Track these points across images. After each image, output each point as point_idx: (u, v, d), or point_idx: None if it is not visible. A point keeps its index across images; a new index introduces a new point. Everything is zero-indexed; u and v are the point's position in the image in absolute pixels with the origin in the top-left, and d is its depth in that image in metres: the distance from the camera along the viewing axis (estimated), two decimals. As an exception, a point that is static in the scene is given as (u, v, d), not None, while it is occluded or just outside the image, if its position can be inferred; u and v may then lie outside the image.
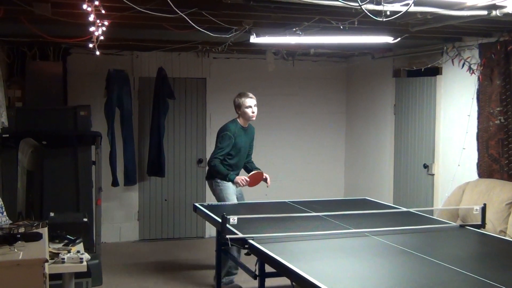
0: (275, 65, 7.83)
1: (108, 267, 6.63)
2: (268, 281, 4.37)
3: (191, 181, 8.24)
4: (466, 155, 6.34)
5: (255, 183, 6.18)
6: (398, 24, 4.92)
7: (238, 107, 6.13)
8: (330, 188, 8.86)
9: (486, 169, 6.05)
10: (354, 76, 8.79)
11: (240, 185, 6.01)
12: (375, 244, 4.26)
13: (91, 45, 4.63)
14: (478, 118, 6.15)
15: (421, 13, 4.38)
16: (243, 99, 6.09)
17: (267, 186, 6.27)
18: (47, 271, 3.24)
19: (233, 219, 4.39)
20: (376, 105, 8.17)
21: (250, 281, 5.00)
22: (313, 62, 8.61)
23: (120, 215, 8.07)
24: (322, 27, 5.20)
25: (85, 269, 4.21)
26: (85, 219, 5.28)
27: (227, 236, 4.29)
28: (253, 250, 4.15)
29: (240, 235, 4.33)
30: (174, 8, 3.84)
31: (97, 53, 4.90)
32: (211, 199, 6.70)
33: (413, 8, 4.00)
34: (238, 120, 6.18)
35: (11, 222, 3.90)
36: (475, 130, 6.19)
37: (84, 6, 3.79)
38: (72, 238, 4.58)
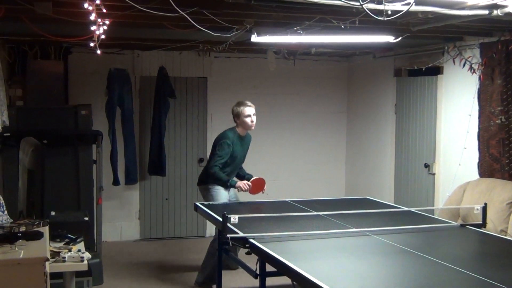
0: (276, 64, 7.83)
1: (109, 266, 6.64)
2: (269, 280, 4.37)
3: (192, 180, 8.23)
4: (467, 154, 6.34)
5: (257, 190, 6.09)
6: (399, 23, 4.92)
7: (237, 116, 6.08)
8: (331, 187, 8.86)
9: (487, 168, 6.05)
10: (355, 76, 8.79)
11: (242, 190, 5.96)
12: (376, 243, 4.26)
13: (92, 44, 4.63)
14: (479, 117, 6.15)
15: (422, 12, 4.38)
16: (242, 108, 6.04)
17: (263, 192, 6.21)
18: (48, 270, 3.24)
19: (234, 218, 4.39)
20: (377, 104, 8.17)
21: (251, 280, 5.00)
22: (314, 61, 8.61)
23: (121, 214, 8.08)
24: (323, 26, 5.20)
25: (86, 268, 4.22)
26: (86, 218, 5.28)
27: (228, 235, 4.29)
28: (254, 249, 4.15)
29: (241, 234, 4.33)
30: (175, 7, 3.84)
31: (98, 52, 4.90)
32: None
33: (414, 8, 4.00)
34: (236, 129, 6.13)
35: (12, 221, 3.90)
36: (476, 130, 6.19)
37: (85, 5, 3.79)
38: (73, 237, 4.59)
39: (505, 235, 5.24)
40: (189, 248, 7.73)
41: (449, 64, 6.62)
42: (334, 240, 4.36)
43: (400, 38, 5.86)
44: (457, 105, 6.54)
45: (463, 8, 4.33)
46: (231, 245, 4.41)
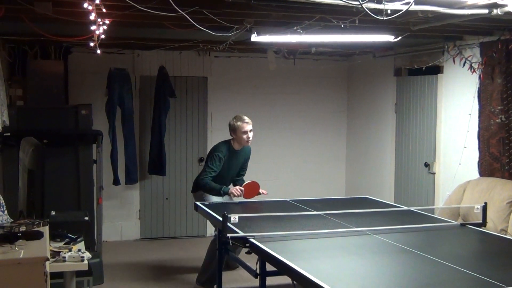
0: (276, 63, 7.83)
1: (109, 265, 6.64)
2: (269, 280, 4.37)
3: (192, 180, 8.18)
4: (467, 153, 6.34)
5: (251, 194, 6.00)
6: (399, 22, 4.92)
7: (234, 131, 6.03)
8: (331, 187, 8.86)
9: (487, 167, 6.05)
10: (355, 75, 8.79)
11: (235, 195, 5.89)
12: (376, 242, 4.26)
13: (92, 44, 4.63)
14: (479, 116, 6.15)
15: (422, 11, 4.38)
16: (239, 123, 5.98)
17: (263, 193, 6.16)
18: (48, 269, 3.24)
19: (234, 217, 4.39)
20: (377, 103, 8.17)
21: (251, 280, 5.00)
22: (314, 60, 8.61)
23: (121, 214, 8.08)
24: (323, 25, 5.20)
25: (86, 268, 4.22)
26: (86, 218, 5.28)
27: (228, 235, 4.29)
28: (254, 248, 4.15)
29: (241, 233, 4.33)
30: (175, 7, 3.84)
31: (98, 51, 4.91)
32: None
33: (414, 7, 4.00)
34: (231, 142, 6.09)
35: (12, 220, 3.90)
36: (476, 129, 6.19)
37: (85, 5, 3.80)
38: (73, 236, 4.59)
39: (505, 234, 5.24)
40: (190, 247, 7.73)
41: (449, 63, 6.62)
42: (334, 239, 4.36)
43: (400, 37, 5.86)
44: (457, 104, 6.54)
45: (463, 7, 4.33)
46: (231, 244, 4.41)
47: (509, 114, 5.80)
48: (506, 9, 4.25)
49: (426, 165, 7.09)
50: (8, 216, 3.91)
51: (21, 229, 3.60)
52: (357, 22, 4.69)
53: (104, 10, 3.91)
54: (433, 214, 5.80)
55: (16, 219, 4.05)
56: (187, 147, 8.29)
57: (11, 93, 6.99)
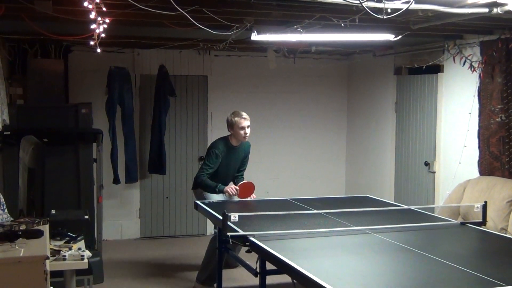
0: (276, 62, 7.83)
1: (109, 264, 6.65)
2: (269, 278, 4.37)
3: (192, 179, 8.21)
4: (467, 152, 6.34)
5: (246, 194, 6.00)
6: (399, 21, 4.92)
7: (231, 126, 6.04)
8: (331, 186, 8.86)
9: (487, 166, 6.05)
10: (355, 74, 8.79)
11: (229, 194, 5.92)
12: (376, 241, 4.26)
13: (92, 43, 4.64)
14: (479, 115, 6.15)
15: (422, 10, 4.38)
16: (236, 119, 5.98)
17: (253, 197, 6.16)
18: (48, 268, 3.24)
19: (234, 216, 4.39)
20: (377, 103, 8.17)
21: (251, 278, 5.00)
22: (314, 59, 8.61)
23: (121, 213, 8.08)
24: (323, 24, 5.20)
25: (86, 266, 4.22)
26: (86, 217, 5.29)
27: (228, 234, 4.30)
28: (254, 247, 4.15)
29: (241, 232, 4.33)
30: (175, 5, 3.84)
31: (98, 50, 4.91)
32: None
33: (414, 6, 4.00)
34: (229, 138, 6.10)
35: (12, 219, 3.90)
36: (476, 128, 6.19)
37: (85, 4, 3.79)
38: (73, 235, 4.59)
39: (505, 233, 5.24)
40: (190, 246, 7.73)
41: (449, 62, 6.62)
42: (334, 238, 4.36)
43: (400, 36, 5.86)
44: (457, 103, 6.54)
45: (463, 6, 4.33)
46: (231, 243, 4.42)
47: (509, 113, 5.80)
48: (506, 8, 4.25)
49: (426, 164, 7.09)
50: (8, 215, 3.92)
51: (21, 228, 3.60)
52: (357, 21, 4.69)
53: (104, 9, 3.91)
54: (433, 213, 5.80)
55: (16, 218, 4.05)
56: (187, 146, 8.29)
57: (11, 91, 6.99)
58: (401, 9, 3.89)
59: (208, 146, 6.29)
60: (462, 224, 4.94)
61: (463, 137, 6.37)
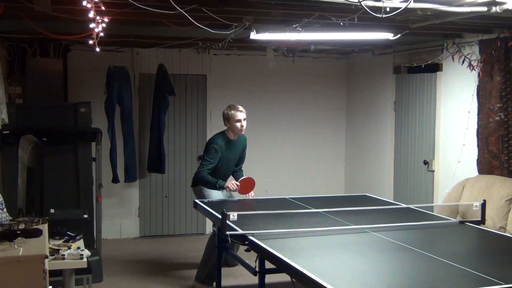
0: (275, 61, 7.83)
1: (108, 263, 6.65)
2: (268, 277, 4.37)
3: (191, 178, 8.21)
4: (466, 151, 6.35)
5: (246, 190, 6.02)
6: (398, 20, 4.92)
7: (227, 120, 6.04)
8: (330, 185, 8.86)
9: (486, 165, 6.05)
10: (355, 73, 8.79)
11: (230, 190, 5.94)
12: (375, 240, 4.27)
13: (91, 42, 4.63)
14: (478, 114, 6.15)
15: (421, 9, 4.38)
16: (233, 112, 5.99)
17: (251, 195, 6.17)
18: (47, 267, 3.24)
19: (233, 215, 4.39)
20: (377, 101, 8.17)
21: (250, 277, 5.00)
22: (313, 58, 8.61)
23: (120, 212, 8.08)
24: (322, 23, 5.20)
25: (85, 266, 4.22)
26: (86, 216, 5.28)
27: (227, 233, 4.30)
28: (253, 246, 4.15)
29: (240, 231, 4.34)
30: (174, 4, 3.84)
31: (97, 49, 4.90)
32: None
33: (412, 5, 4.00)
34: (226, 132, 6.11)
35: (11, 218, 3.91)
36: (475, 127, 6.19)
37: (84, 3, 3.79)
38: (73, 234, 4.59)
39: (504, 232, 5.25)
40: (189, 245, 7.73)
41: (448, 61, 6.63)
42: (333, 237, 4.37)
43: (399, 35, 5.86)
44: (456, 102, 6.54)
45: (462, 5, 4.33)
46: (230, 242, 4.42)
47: (508, 111, 5.80)
48: (505, 6, 4.26)
49: (425, 162, 7.10)
50: (7, 214, 3.92)
51: (20, 227, 3.61)
52: (356, 20, 4.69)
53: (103, 8, 3.91)
54: (432, 211, 5.80)
55: (15, 217, 4.06)
56: (186, 145, 8.29)
57: (10, 91, 6.99)
58: (400, 8, 3.89)
59: (206, 142, 6.28)
60: (461, 222, 4.94)
61: (462, 136, 6.38)
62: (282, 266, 3.71)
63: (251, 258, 4.58)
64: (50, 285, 3.52)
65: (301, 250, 4.00)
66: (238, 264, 6.00)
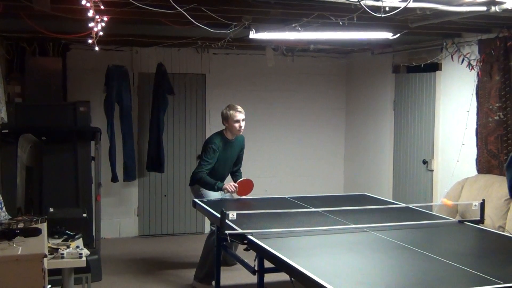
0: (275, 61, 7.83)
1: (107, 262, 6.65)
2: (267, 277, 4.38)
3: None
4: (465, 151, 6.35)
5: (245, 192, 5.97)
6: (398, 20, 4.92)
7: (226, 120, 6.00)
8: (330, 184, 8.87)
9: (485, 165, 6.06)
10: (354, 72, 8.79)
11: (228, 191, 5.91)
12: (374, 239, 4.27)
13: (90, 41, 4.62)
14: (477, 114, 6.16)
15: (420, 9, 4.38)
16: (231, 112, 5.95)
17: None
18: (46, 266, 3.25)
19: (232, 214, 4.39)
20: (376, 101, 8.17)
21: (249, 277, 5.00)
22: (312, 58, 8.61)
23: (119, 211, 8.08)
24: (322, 23, 5.20)
25: (84, 265, 4.22)
26: (85, 215, 5.28)
27: (226, 232, 4.30)
28: (252, 245, 4.15)
29: (239, 230, 4.34)
30: (173, 4, 3.84)
31: (97, 48, 4.90)
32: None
33: (412, 4, 4.01)
34: (224, 132, 6.07)
35: (11, 217, 3.91)
36: (474, 126, 6.20)
37: (83, 2, 3.79)
38: (72, 233, 4.59)
39: (503, 231, 5.25)
40: (188, 244, 7.73)
41: (448, 60, 6.63)
42: (332, 236, 4.37)
43: (398, 34, 5.86)
44: (456, 101, 6.55)
45: (461, 5, 4.33)
46: (229, 241, 4.42)
47: (507, 111, 5.81)
48: (504, 6, 4.26)
49: (424, 162, 7.10)
50: (6, 213, 3.92)
51: (19, 226, 3.61)
52: (355, 19, 4.69)
53: (102, 7, 3.90)
54: (431, 211, 5.81)
55: (14, 216, 4.06)
56: (185, 144, 8.29)
57: (9, 90, 6.98)
58: (399, 7, 3.89)
59: (204, 142, 6.26)
60: (460, 222, 4.95)
61: (461, 136, 6.38)
62: (281, 265, 3.71)
63: (250, 257, 4.58)
64: (49, 284, 3.53)
65: (300, 249, 4.00)
66: (237, 263, 6.00)
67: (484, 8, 4.35)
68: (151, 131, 7.83)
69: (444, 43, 6.62)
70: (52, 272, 4.06)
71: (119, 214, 8.09)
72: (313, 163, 8.87)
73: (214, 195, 5.99)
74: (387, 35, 5.84)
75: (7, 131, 6.21)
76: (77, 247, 4.28)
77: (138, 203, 8.18)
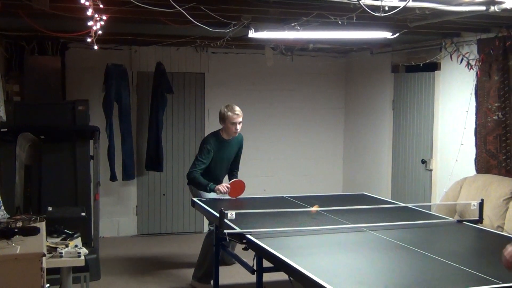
0: (274, 60, 7.83)
1: (106, 261, 6.65)
2: (266, 276, 4.38)
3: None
4: (464, 150, 6.35)
5: (237, 193, 5.91)
6: (397, 19, 4.92)
7: (223, 120, 5.95)
8: (329, 183, 8.87)
9: (484, 164, 6.06)
10: (353, 72, 8.79)
11: (221, 192, 5.84)
12: (373, 239, 4.27)
13: (89, 40, 4.62)
14: (476, 113, 6.16)
15: (419, 8, 4.38)
16: (229, 113, 5.88)
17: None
18: (44, 265, 3.25)
19: (231, 213, 4.39)
20: (375, 100, 8.17)
21: (248, 276, 5.00)
22: (311, 57, 8.61)
23: (118, 210, 8.08)
24: (321, 22, 5.20)
25: (83, 264, 4.22)
26: (83, 214, 5.28)
27: (225, 231, 4.30)
28: (251, 244, 4.15)
29: (238, 230, 4.34)
30: (172, 2, 3.84)
31: (96, 47, 4.90)
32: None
33: (411, 4, 4.00)
34: (221, 132, 6.03)
35: (9, 216, 3.90)
36: (473, 126, 6.19)
37: (82, 0, 3.79)
38: (70, 232, 4.59)
39: (501, 231, 5.25)
40: (186, 243, 7.73)
41: (447, 60, 6.63)
42: (331, 235, 4.37)
43: (397, 34, 5.86)
44: (454, 101, 6.55)
45: (460, 4, 4.33)
46: (228, 240, 4.42)
47: (506, 111, 5.81)
48: (503, 6, 4.26)
49: (423, 161, 7.10)
50: (4, 212, 3.92)
51: (17, 225, 3.61)
52: (354, 18, 4.68)
53: (101, 6, 3.90)
54: (430, 210, 5.81)
55: (13, 215, 4.05)
56: (184, 143, 8.28)
57: (8, 88, 6.98)
58: (398, 6, 3.89)
59: (200, 142, 6.22)
60: (459, 222, 4.95)
61: (460, 135, 6.38)
62: (280, 265, 3.71)
63: (249, 257, 4.58)
64: (47, 283, 3.53)
65: (299, 249, 4.00)
66: (235, 262, 6.00)
67: (483, 8, 4.35)
68: (150, 130, 7.82)
69: (443, 43, 6.61)
70: (51, 271, 4.06)
71: (118, 213, 8.09)
72: (312, 162, 8.87)
73: (211, 194, 5.98)
74: (386, 34, 5.84)
75: (6, 129, 6.21)
76: (76, 246, 4.28)
77: (137, 202, 8.18)
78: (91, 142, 6.76)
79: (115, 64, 7.47)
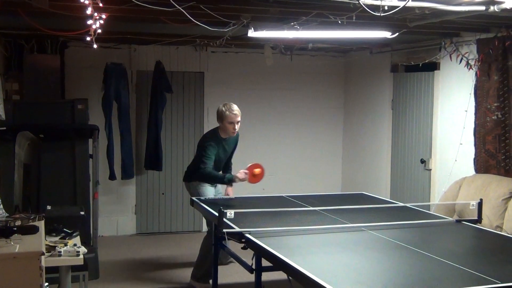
0: (273, 59, 7.82)
1: (105, 260, 6.63)
2: (265, 275, 4.37)
3: (188, 175, 8.24)
4: (463, 150, 6.35)
5: (255, 179, 5.74)
6: (396, 19, 4.92)
7: (221, 119, 5.86)
8: (328, 183, 8.87)
9: (483, 164, 6.06)
10: (352, 71, 8.79)
11: (239, 179, 5.65)
12: (372, 238, 4.27)
13: (88, 38, 4.61)
14: (476, 113, 6.16)
15: (419, 8, 4.38)
16: (227, 113, 5.80)
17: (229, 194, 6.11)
18: (43, 264, 3.24)
19: (230, 213, 4.39)
20: (374, 100, 8.18)
21: (247, 275, 5.00)
22: (311, 56, 8.61)
23: (117, 209, 8.08)
24: (320, 21, 5.20)
25: (81, 262, 4.22)
26: (82, 213, 5.28)
27: (224, 230, 4.30)
28: (250, 244, 4.15)
29: (237, 229, 4.33)
30: (172, 2, 3.84)
31: (95, 46, 4.89)
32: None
33: (411, 3, 4.00)
34: (218, 131, 5.97)
35: (8, 215, 3.90)
36: (472, 126, 6.20)
37: (82, -1, 3.79)
38: (69, 231, 4.59)
39: (500, 231, 5.26)
40: (185, 243, 7.73)
41: (446, 60, 6.63)
42: (330, 235, 4.37)
43: (397, 33, 5.86)
44: (454, 101, 6.55)
45: (460, 4, 4.34)
46: (227, 240, 4.41)
47: (505, 111, 5.81)
48: (503, 6, 4.26)
49: (422, 161, 7.10)
50: (3, 211, 3.91)
51: (16, 224, 3.60)
52: (354, 18, 4.68)
53: (100, 5, 3.90)
54: (429, 210, 5.81)
55: (11, 214, 4.05)
56: (183, 142, 8.28)
57: (7, 87, 6.97)
58: (398, 6, 3.89)
59: (199, 142, 6.15)
60: (458, 221, 4.95)
61: (459, 135, 6.38)
62: (278, 264, 3.71)
63: (247, 256, 4.58)
64: (46, 281, 3.52)
65: (297, 248, 4.00)
66: (233, 262, 6.00)
67: (482, 8, 4.35)
68: (149, 129, 7.82)
69: (443, 43, 6.62)
70: (50, 270, 4.05)
71: (117, 212, 8.08)
72: (311, 161, 8.87)
73: (209, 190, 5.96)
74: (386, 34, 5.84)
75: (5, 128, 6.21)
76: (75, 245, 4.27)
77: (135, 201, 8.18)
78: (90, 141, 6.76)
79: (114, 63, 7.47)
